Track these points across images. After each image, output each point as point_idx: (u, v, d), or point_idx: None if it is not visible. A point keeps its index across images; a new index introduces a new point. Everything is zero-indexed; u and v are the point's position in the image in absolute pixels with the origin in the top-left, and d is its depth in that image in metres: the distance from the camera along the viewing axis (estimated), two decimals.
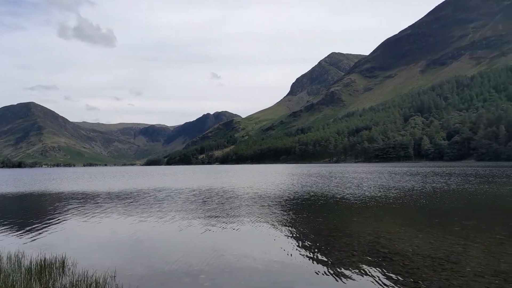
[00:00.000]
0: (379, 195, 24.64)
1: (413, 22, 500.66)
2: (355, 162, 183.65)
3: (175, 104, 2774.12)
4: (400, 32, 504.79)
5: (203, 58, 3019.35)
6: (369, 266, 9.08)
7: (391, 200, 21.59)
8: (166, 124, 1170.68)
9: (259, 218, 16.05)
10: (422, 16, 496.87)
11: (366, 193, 25.73)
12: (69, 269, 8.97)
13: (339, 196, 24.21)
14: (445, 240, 11.35)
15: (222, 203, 21.78)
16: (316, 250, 10.70)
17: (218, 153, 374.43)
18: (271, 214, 17.19)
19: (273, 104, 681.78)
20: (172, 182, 46.95)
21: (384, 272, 8.58)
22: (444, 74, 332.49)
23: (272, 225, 14.54)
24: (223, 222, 15.39)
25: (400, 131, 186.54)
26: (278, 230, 13.51)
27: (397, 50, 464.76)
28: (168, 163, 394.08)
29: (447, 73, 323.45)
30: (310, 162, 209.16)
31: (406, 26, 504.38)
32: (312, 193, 26.73)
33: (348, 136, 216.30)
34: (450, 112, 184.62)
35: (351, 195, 24.63)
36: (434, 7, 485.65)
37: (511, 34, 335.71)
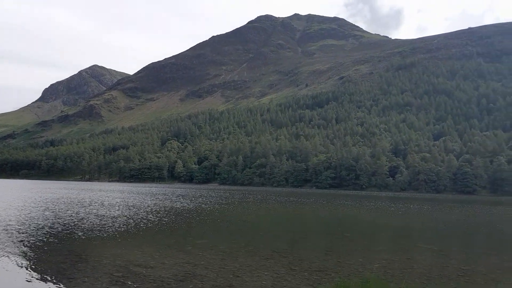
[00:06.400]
0: (125, 215, 24.51)
1: (177, 53, 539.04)
2: (109, 181, 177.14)
3: None
4: (164, 59, 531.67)
5: None
6: None
7: (136, 221, 21.86)
8: None
9: None
10: (185, 49, 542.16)
11: (111, 213, 25.11)
12: None
13: (80, 217, 22.63)
14: (178, 259, 12.41)
15: None
16: (44, 281, 9.64)
17: None
18: None
19: (17, 109, 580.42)
20: None
21: None
22: (200, 105, 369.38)
23: None
24: None
25: (157, 153, 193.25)
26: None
27: (160, 75, 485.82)
28: None
29: (203, 105, 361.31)
30: (58, 179, 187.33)
31: (170, 55, 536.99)
32: (49, 214, 23.96)
33: (104, 153, 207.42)
34: (202, 140, 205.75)
35: (94, 216, 23.46)
36: (195, 44, 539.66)
37: (253, 81, 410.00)
